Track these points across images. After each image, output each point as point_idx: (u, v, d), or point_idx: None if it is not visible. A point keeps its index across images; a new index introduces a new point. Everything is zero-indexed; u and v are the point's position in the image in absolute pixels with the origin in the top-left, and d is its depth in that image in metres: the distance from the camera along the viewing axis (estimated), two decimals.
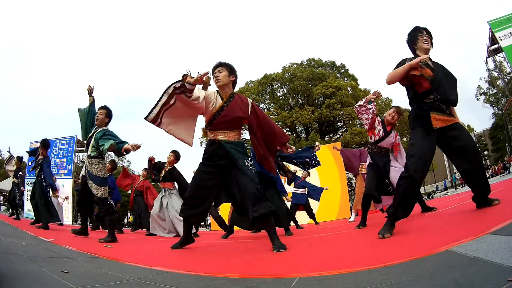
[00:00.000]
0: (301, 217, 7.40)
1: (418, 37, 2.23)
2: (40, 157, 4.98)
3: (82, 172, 3.71)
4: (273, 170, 2.67)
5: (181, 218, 3.35)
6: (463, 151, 2.09)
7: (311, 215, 6.77)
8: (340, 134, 21.95)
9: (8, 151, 7.43)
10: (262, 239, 3.40)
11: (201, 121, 3.40)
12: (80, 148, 13.22)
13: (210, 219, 12.76)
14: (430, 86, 2.07)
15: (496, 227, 1.46)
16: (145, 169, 7.06)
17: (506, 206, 2.10)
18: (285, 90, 22.66)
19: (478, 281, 0.91)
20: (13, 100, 62.10)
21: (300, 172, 6.30)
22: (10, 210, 7.91)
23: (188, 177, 4.55)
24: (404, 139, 15.31)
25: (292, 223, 5.76)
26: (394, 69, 2.16)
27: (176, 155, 5.04)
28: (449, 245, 1.31)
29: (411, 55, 2.25)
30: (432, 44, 2.25)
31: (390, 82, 2.16)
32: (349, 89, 20.54)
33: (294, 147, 2.78)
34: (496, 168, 22.02)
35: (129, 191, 7.40)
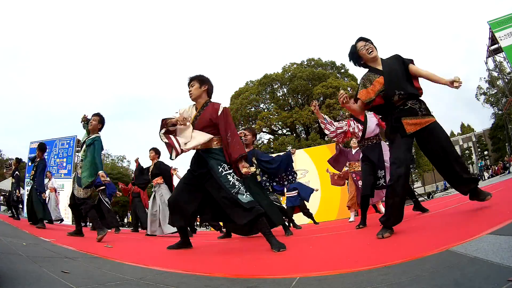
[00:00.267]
0: (301, 217, 7.41)
1: (359, 52, 2.24)
2: (37, 159, 5.26)
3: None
4: (241, 150, 2.38)
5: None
6: (437, 152, 2.07)
7: (308, 214, 6.77)
8: None
9: (10, 163, 7.37)
10: (261, 239, 3.37)
11: None
12: (80, 148, 13.22)
13: None
14: (385, 94, 2.09)
15: (496, 227, 1.46)
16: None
17: (506, 206, 2.10)
18: (285, 90, 22.67)
19: (478, 281, 0.91)
20: (13, 100, 62.17)
21: None
22: (10, 210, 7.91)
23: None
24: None
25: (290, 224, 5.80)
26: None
27: (155, 151, 5.35)
28: (449, 245, 1.31)
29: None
30: (376, 48, 2.24)
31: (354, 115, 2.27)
32: (349, 89, 20.53)
33: (248, 169, 2.39)
34: (496, 168, 22.03)
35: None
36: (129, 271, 1.66)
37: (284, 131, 23.03)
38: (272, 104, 22.45)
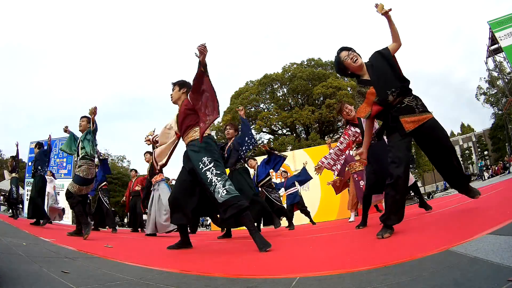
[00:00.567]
0: (301, 217, 7.41)
1: (344, 62, 2.23)
2: (36, 151, 5.68)
3: None
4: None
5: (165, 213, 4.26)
6: (437, 149, 2.09)
7: (306, 212, 6.77)
8: (340, 134, 21.92)
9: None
10: None
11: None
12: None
13: (210, 219, 12.77)
14: (379, 100, 2.09)
15: (496, 227, 1.46)
16: (133, 169, 7.86)
17: (506, 206, 2.11)
18: (285, 90, 22.67)
19: (478, 281, 0.91)
20: (13, 100, 62.13)
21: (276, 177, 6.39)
22: (11, 210, 7.92)
23: None
24: None
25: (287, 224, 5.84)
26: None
27: (150, 153, 5.60)
28: (449, 245, 1.31)
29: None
30: (359, 55, 2.24)
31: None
32: (349, 89, 20.55)
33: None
34: (496, 168, 22.02)
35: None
36: (129, 271, 1.66)
37: (284, 131, 23.04)
38: (272, 104, 22.46)
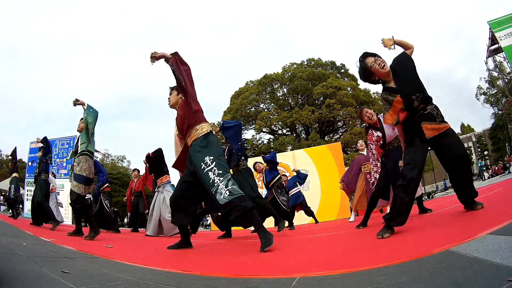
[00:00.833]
0: (302, 217, 7.41)
1: (372, 68, 2.20)
2: (39, 148, 5.56)
3: None
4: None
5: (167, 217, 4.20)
6: (454, 160, 2.10)
7: (310, 212, 6.79)
8: (340, 134, 21.96)
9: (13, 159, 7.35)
10: None
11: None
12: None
13: (210, 219, 12.78)
14: (405, 106, 2.10)
15: (496, 227, 1.47)
16: (135, 169, 7.70)
17: (506, 206, 2.11)
18: (285, 90, 22.67)
19: (478, 281, 0.91)
20: (13, 100, 62.16)
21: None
22: (10, 210, 7.93)
23: None
24: None
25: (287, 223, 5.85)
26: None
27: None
28: (449, 245, 1.31)
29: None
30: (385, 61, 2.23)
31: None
32: (349, 89, 20.55)
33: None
34: (496, 168, 22.01)
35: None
36: (129, 271, 1.66)
37: (284, 131, 23.03)
38: (272, 104, 22.44)
